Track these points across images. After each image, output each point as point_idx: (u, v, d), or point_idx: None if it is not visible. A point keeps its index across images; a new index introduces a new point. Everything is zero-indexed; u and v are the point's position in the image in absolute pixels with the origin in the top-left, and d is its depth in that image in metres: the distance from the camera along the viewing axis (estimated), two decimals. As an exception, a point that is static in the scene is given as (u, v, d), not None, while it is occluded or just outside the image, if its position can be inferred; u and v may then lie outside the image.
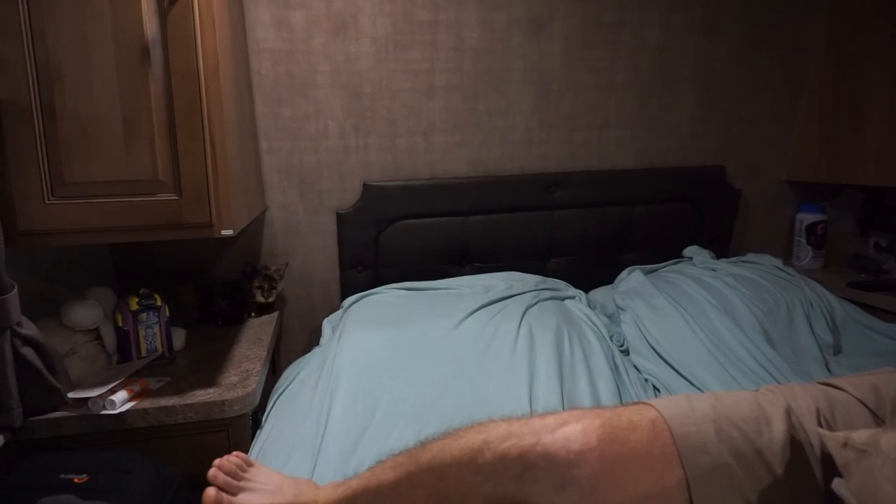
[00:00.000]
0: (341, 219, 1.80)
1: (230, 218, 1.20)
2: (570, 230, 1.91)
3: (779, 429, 0.68)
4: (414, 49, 1.75)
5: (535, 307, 1.55)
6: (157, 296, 1.35)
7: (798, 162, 2.09)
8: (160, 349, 1.36)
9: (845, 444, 0.61)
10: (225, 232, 1.19)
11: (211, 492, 0.89)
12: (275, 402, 1.36)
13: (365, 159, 1.80)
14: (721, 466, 0.65)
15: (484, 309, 1.50)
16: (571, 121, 1.90)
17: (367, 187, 1.79)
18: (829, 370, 1.41)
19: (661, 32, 1.90)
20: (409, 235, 1.83)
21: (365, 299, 1.69)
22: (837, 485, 0.60)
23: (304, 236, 1.82)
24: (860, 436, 0.61)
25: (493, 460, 0.72)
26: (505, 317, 1.46)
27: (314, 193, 1.80)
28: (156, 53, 1.10)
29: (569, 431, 0.70)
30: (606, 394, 1.23)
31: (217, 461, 0.95)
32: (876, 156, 1.83)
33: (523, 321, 1.45)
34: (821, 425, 0.68)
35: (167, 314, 1.37)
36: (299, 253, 1.83)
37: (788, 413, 0.70)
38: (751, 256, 1.83)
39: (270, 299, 1.72)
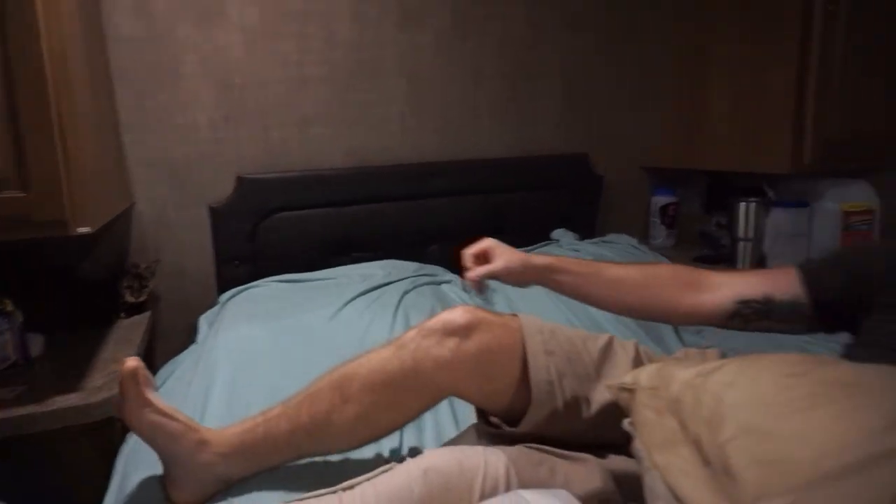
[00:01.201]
0: (215, 212, 1.76)
1: (87, 214, 1.15)
2: (446, 218, 1.98)
3: (603, 339, 0.90)
4: (284, 40, 1.74)
5: (413, 293, 1.61)
6: (6, 301, 1.26)
7: (653, 149, 2.30)
8: (12, 357, 1.27)
9: (620, 388, 0.72)
10: (82, 229, 1.14)
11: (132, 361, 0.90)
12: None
13: (238, 151, 1.77)
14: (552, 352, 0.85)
15: (361, 297, 1.54)
16: (444, 111, 1.97)
17: (240, 180, 1.76)
18: (679, 337, 1.59)
19: (527, 26, 2.01)
20: (287, 228, 1.82)
21: (243, 293, 1.67)
22: (625, 423, 0.70)
23: (176, 231, 1.76)
24: (627, 378, 0.73)
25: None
26: (382, 304, 1.51)
27: (185, 187, 1.74)
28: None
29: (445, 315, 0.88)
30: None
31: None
32: (717, 144, 2.07)
33: (400, 307, 1.50)
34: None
35: (20, 319, 1.28)
36: (172, 249, 1.77)
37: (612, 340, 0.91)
38: (610, 237, 2.00)
39: (141, 298, 1.65)
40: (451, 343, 0.85)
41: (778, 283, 0.86)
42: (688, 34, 2.15)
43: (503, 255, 1.06)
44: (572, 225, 2.14)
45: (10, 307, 1.26)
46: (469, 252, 1.10)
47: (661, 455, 0.61)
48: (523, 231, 2.10)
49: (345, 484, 0.82)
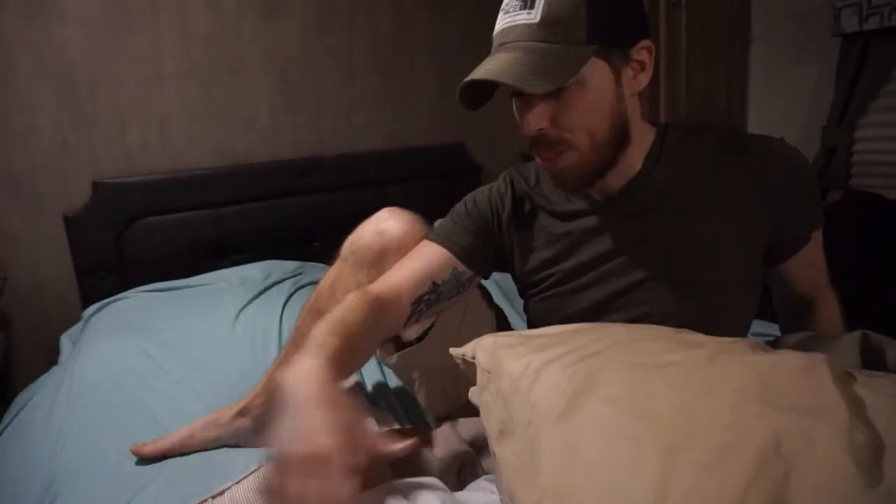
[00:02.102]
0: (70, 222, 1.64)
1: None
2: (328, 213, 1.96)
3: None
4: (134, 34, 1.64)
5: (296, 295, 1.58)
6: None
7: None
8: None
9: (462, 359, 0.73)
10: None
11: None
12: (1, 434, 1.21)
13: (91, 156, 1.65)
14: None
15: (244, 311, 1.48)
16: (317, 106, 1.94)
17: (97, 186, 1.64)
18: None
19: (395, 16, 2.01)
20: (155, 234, 1.73)
21: (109, 306, 1.57)
22: (471, 394, 0.70)
23: (27, 245, 1.62)
24: (467, 348, 0.73)
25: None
26: (266, 313, 1.46)
27: (31, 196, 1.60)
28: None
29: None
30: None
31: None
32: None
33: (285, 312, 1.47)
34: None
35: None
36: (23, 264, 1.63)
37: None
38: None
39: (-12, 321, 1.51)
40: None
41: (432, 264, 0.88)
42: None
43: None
44: (454, 213, 2.18)
45: None
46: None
47: (498, 444, 0.61)
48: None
49: (214, 491, 0.81)
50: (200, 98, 1.76)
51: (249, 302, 1.51)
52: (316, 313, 0.94)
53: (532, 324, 0.97)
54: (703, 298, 0.82)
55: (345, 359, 0.68)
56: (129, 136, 1.69)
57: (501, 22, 0.74)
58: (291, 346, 1.01)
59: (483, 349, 0.69)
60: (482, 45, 0.81)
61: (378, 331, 0.82)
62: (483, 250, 0.92)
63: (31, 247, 1.63)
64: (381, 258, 0.93)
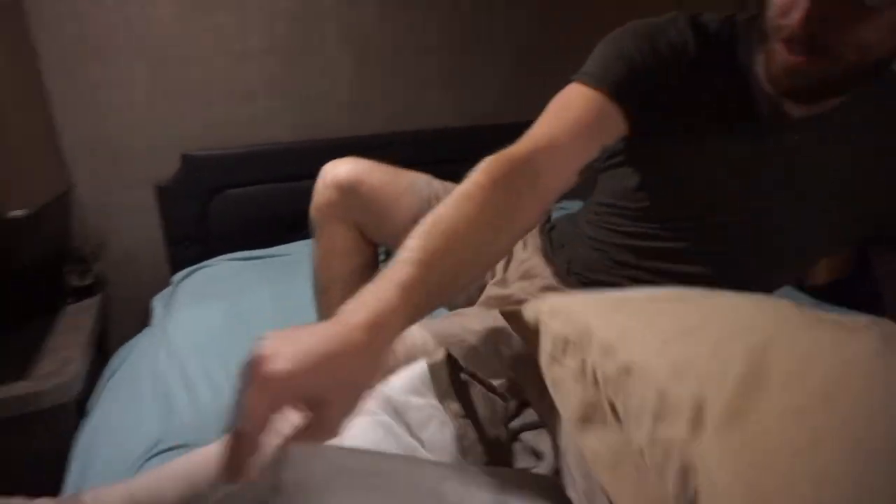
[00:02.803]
0: (161, 193, 1.72)
1: (21, 196, 1.11)
2: (400, 188, 1.98)
3: None
4: (221, 11, 1.69)
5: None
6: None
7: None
8: (-44, 348, 1.24)
9: (518, 325, 0.66)
10: (15, 213, 1.10)
11: None
12: (104, 388, 1.30)
13: (181, 129, 1.72)
14: None
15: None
16: (391, 82, 1.95)
17: (185, 158, 1.72)
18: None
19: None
20: (237, 205, 1.80)
21: (196, 273, 1.65)
22: (543, 366, 0.60)
23: (122, 213, 1.72)
24: (527, 310, 0.66)
25: None
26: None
27: (127, 167, 1.69)
28: None
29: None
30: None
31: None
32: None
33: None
34: None
35: (-40, 310, 1.25)
36: (118, 231, 1.73)
37: None
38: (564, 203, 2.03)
39: (87, 282, 1.61)
40: None
41: (602, 124, 0.76)
42: None
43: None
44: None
45: (-53, 298, 1.22)
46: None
47: (580, 432, 0.52)
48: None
49: None
50: (281, 73, 1.80)
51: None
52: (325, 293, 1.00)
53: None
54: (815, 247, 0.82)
55: (435, 283, 0.56)
56: (215, 110, 1.75)
57: None
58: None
59: (555, 311, 0.58)
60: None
61: (514, 218, 0.66)
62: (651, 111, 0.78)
63: (126, 215, 1.73)
64: (348, 197, 0.99)
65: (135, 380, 1.26)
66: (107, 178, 1.68)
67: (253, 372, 0.44)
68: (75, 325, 1.46)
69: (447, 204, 0.62)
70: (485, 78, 2.09)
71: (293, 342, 0.46)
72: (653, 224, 0.86)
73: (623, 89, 0.77)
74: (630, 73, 0.77)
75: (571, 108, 0.76)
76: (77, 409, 1.24)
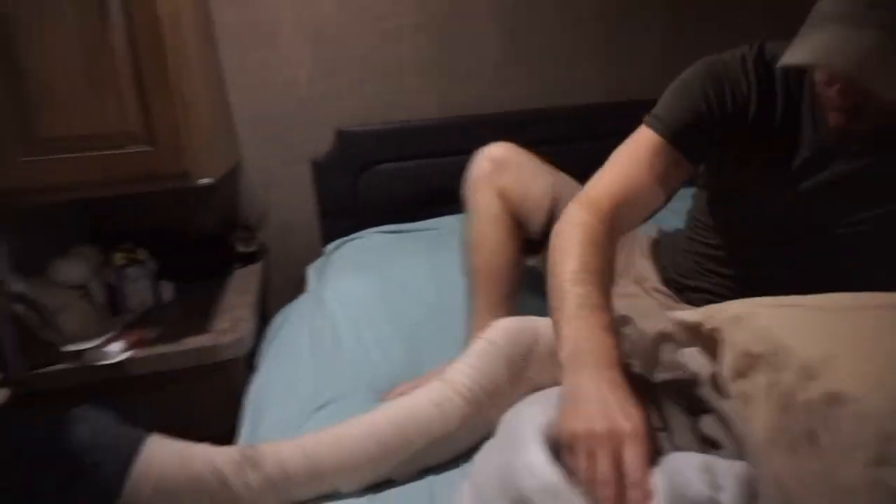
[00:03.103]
0: (316, 167, 1.81)
1: (207, 167, 1.21)
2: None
3: None
4: (378, -10, 1.74)
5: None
6: (141, 250, 1.37)
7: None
8: (149, 301, 1.39)
9: (693, 329, 0.66)
10: (203, 181, 1.20)
11: None
12: (268, 348, 1.40)
13: (336, 106, 1.80)
14: None
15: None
16: (540, 57, 1.91)
17: (339, 134, 1.79)
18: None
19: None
20: (386, 180, 1.85)
21: (347, 244, 1.72)
22: (730, 392, 0.58)
23: (281, 186, 1.84)
24: (700, 317, 0.68)
25: None
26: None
27: (287, 143, 1.80)
28: (113, 2, 1.08)
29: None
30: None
31: None
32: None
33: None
34: None
35: (153, 268, 1.39)
36: (277, 202, 1.85)
37: None
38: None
39: (251, 249, 1.74)
40: None
41: (670, 172, 0.88)
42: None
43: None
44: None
45: (143, 257, 1.36)
46: None
47: (775, 457, 0.50)
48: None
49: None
50: (431, 50, 1.82)
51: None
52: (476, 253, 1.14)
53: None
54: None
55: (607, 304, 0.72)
56: (367, 87, 1.81)
57: None
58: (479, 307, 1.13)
59: (738, 320, 0.57)
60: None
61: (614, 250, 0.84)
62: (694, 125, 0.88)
63: (284, 188, 1.84)
64: (500, 168, 1.19)
65: (295, 342, 1.34)
66: (269, 153, 1.80)
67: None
68: (243, 287, 1.59)
69: (589, 252, 0.77)
70: (636, 51, 1.98)
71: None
72: (727, 238, 0.97)
73: (687, 137, 0.87)
74: (694, 121, 0.86)
75: (642, 157, 0.89)
76: (246, 365, 1.34)
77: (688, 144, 0.86)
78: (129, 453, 0.72)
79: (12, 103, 1.07)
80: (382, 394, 1.10)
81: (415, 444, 0.81)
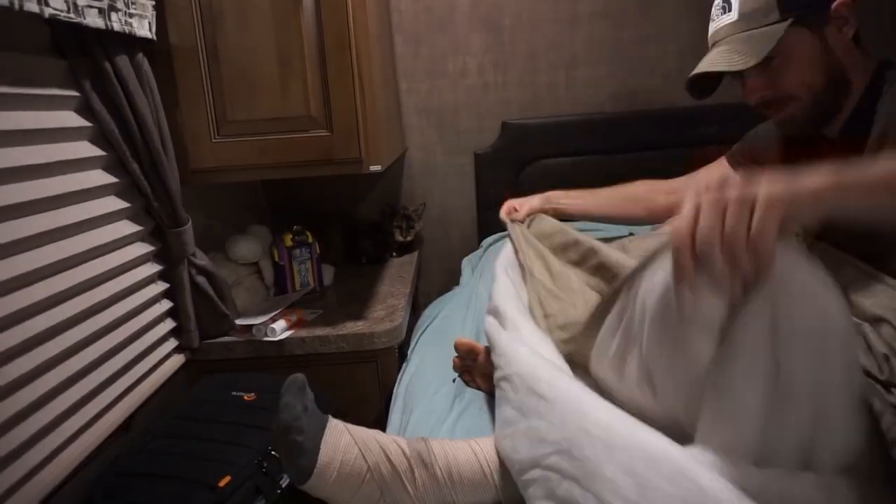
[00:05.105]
0: (479, 159, 1.77)
1: (378, 154, 1.21)
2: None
3: None
4: (558, -26, 1.64)
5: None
6: (308, 233, 1.40)
7: None
8: (312, 283, 1.42)
9: None
10: (373, 168, 1.20)
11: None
12: (419, 339, 1.38)
13: (504, 97, 1.74)
14: None
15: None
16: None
17: (505, 126, 1.73)
18: None
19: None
20: (549, 176, 1.75)
21: (504, 240, 1.65)
22: None
23: (442, 177, 1.82)
24: None
25: None
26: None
27: (452, 133, 1.77)
28: (305, -11, 1.10)
29: None
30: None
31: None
32: None
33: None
34: None
35: (318, 251, 1.43)
36: (437, 193, 1.83)
37: None
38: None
39: (409, 238, 1.74)
40: None
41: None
42: None
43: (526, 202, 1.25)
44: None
45: (310, 239, 1.40)
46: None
47: None
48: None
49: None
50: (608, 38, 1.70)
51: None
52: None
53: None
54: None
55: None
56: (538, 77, 1.73)
57: (710, 28, 0.86)
58: None
59: None
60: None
61: None
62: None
63: (445, 179, 1.82)
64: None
65: (444, 338, 1.30)
66: (433, 142, 1.79)
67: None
68: (399, 276, 1.58)
69: None
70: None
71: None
72: None
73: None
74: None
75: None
76: (398, 355, 1.33)
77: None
78: (318, 436, 0.75)
79: (212, 86, 1.13)
80: None
81: None
